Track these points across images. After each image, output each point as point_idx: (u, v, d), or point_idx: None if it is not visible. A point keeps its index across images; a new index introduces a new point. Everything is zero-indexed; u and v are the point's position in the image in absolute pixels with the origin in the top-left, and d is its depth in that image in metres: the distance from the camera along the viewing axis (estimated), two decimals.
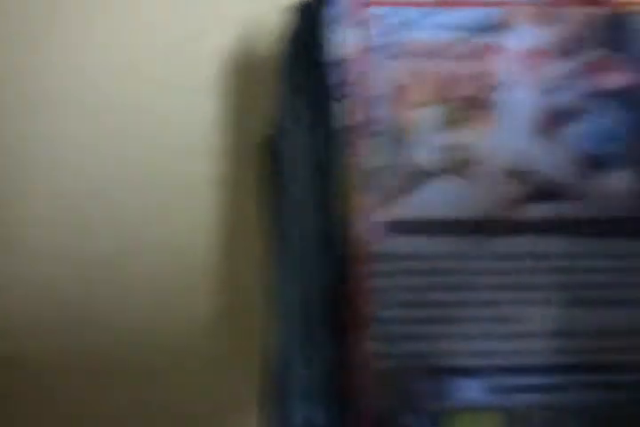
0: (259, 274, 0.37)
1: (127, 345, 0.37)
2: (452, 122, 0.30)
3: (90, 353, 0.37)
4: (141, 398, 0.36)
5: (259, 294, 0.36)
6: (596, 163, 0.30)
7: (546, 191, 0.29)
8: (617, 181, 0.29)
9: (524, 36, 0.31)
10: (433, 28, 0.31)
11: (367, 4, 0.31)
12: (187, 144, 0.40)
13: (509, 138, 0.30)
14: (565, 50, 0.31)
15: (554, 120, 0.30)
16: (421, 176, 0.29)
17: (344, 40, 0.31)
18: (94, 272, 0.37)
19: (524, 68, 0.31)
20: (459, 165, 0.29)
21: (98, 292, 0.37)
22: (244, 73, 0.41)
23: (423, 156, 0.29)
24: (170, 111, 0.40)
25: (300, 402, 0.26)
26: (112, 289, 0.37)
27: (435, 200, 0.28)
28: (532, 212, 0.29)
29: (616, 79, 0.31)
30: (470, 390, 0.26)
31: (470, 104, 0.30)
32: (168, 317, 0.37)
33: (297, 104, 0.31)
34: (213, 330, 0.37)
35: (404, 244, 0.27)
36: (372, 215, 0.28)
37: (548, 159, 0.30)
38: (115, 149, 0.40)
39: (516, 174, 0.29)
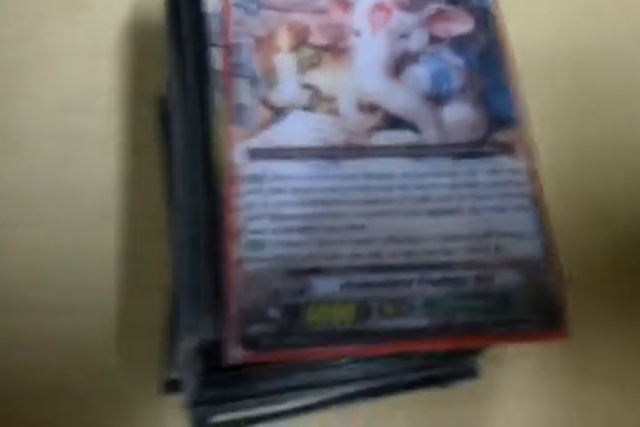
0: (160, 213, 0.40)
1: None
2: (307, 66, 0.34)
3: None
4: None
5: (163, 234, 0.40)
6: (434, 98, 0.35)
7: (391, 122, 0.34)
8: (451, 114, 0.34)
9: None
10: None
11: None
12: (88, 104, 0.43)
13: (360, 78, 0.35)
14: (409, 4, 0.36)
15: (399, 63, 0.35)
16: (281, 111, 0.33)
17: None
18: None
19: (373, 20, 0.36)
20: (314, 102, 0.33)
21: None
22: (140, 40, 0.45)
23: (283, 94, 0.34)
24: (73, 75, 0.44)
25: (188, 306, 0.30)
26: None
27: (294, 131, 0.33)
28: (380, 139, 0.33)
29: (451, 28, 0.36)
30: (327, 287, 0.30)
31: (323, 51, 0.35)
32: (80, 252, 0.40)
33: (178, 55, 0.35)
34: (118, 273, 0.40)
35: (269, 167, 0.32)
36: (240, 144, 0.32)
37: (394, 95, 0.34)
38: (24, 111, 0.43)
39: (365, 108, 0.34)
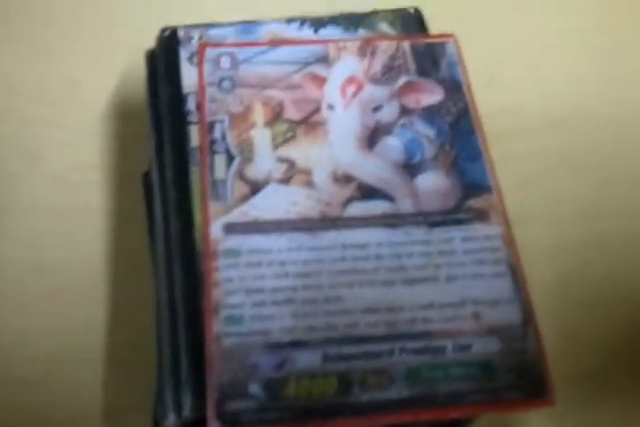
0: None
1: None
2: (282, 140, 0.35)
3: None
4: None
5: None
6: (408, 168, 0.35)
7: (365, 193, 0.34)
8: (425, 182, 0.35)
9: (344, 67, 0.37)
10: (265, 63, 0.37)
11: (205, 47, 0.37)
12: (75, 179, 0.44)
13: (334, 151, 0.35)
14: (380, 77, 0.37)
15: (372, 135, 0.36)
16: (258, 185, 0.34)
17: (190, 76, 0.36)
18: None
19: (345, 93, 0.37)
20: (289, 174, 0.34)
21: None
22: (127, 117, 0.46)
23: (259, 168, 0.34)
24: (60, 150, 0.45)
25: (169, 382, 0.30)
26: None
27: (270, 204, 0.33)
28: (355, 210, 0.34)
29: (422, 99, 0.37)
30: (307, 360, 0.30)
31: (298, 125, 0.35)
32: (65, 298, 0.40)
33: (157, 134, 0.36)
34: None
35: (246, 241, 0.32)
36: (217, 219, 0.33)
37: (368, 166, 0.35)
38: (10, 184, 0.43)
39: (340, 180, 0.35)
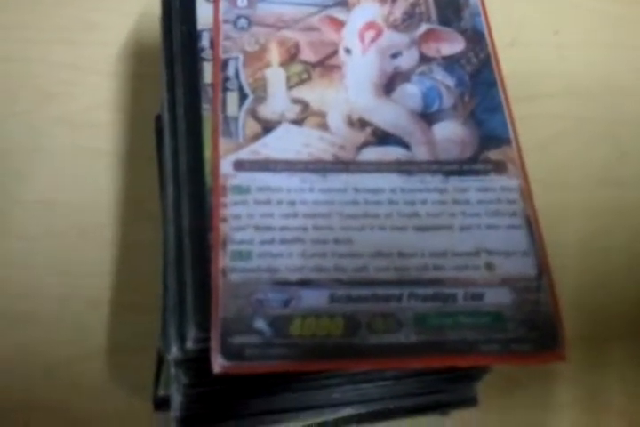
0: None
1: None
2: (296, 81, 0.34)
3: None
4: None
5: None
6: (425, 116, 0.34)
7: (380, 138, 0.33)
8: (442, 131, 0.34)
9: (364, 12, 0.36)
10: (283, 3, 0.36)
11: None
12: (89, 120, 0.43)
13: (350, 95, 0.34)
14: (400, 24, 0.36)
15: (390, 81, 0.35)
16: (270, 124, 0.33)
17: (205, 13, 0.35)
18: None
19: (364, 38, 0.36)
20: (303, 116, 0.33)
21: None
22: (140, 58, 0.45)
23: (272, 107, 0.33)
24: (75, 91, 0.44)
25: (173, 315, 0.29)
26: None
27: (282, 144, 0.32)
28: (369, 154, 0.33)
29: (442, 48, 0.36)
30: (314, 299, 0.29)
31: (313, 67, 0.34)
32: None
33: (169, 70, 0.35)
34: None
35: (256, 179, 0.31)
36: (228, 156, 0.32)
37: (384, 112, 0.34)
38: (23, 125, 0.42)
39: (355, 124, 0.33)
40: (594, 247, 0.42)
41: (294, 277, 0.29)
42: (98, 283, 0.39)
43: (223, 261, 0.29)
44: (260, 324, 0.28)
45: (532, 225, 0.32)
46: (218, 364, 0.27)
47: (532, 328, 0.30)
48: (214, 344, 0.27)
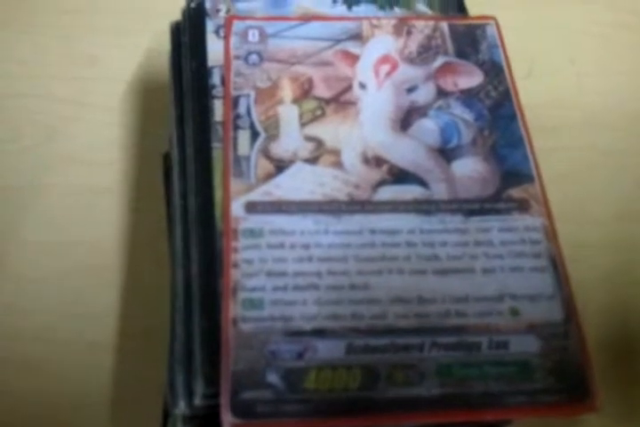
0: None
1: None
2: (310, 118, 0.33)
3: None
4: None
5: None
6: (443, 152, 0.33)
7: (397, 176, 0.32)
8: (461, 168, 0.33)
9: (378, 46, 0.35)
10: (295, 38, 0.35)
11: (232, 19, 0.35)
12: (95, 158, 0.42)
13: (365, 131, 0.33)
14: (415, 57, 0.35)
15: (406, 117, 0.34)
16: (283, 164, 0.31)
17: (216, 49, 0.34)
18: None
19: (378, 72, 0.34)
20: (317, 154, 0.32)
21: None
22: (146, 95, 0.44)
23: (285, 146, 0.32)
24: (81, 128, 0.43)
25: (181, 367, 0.27)
26: None
27: (295, 184, 0.31)
28: (385, 194, 0.31)
29: (459, 82, 0.35)
30: (330, 350, 0.28)
31: (327, 103, 0.33)
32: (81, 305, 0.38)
33: (179, 108, 0.34)
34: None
35: (268, 221, 0.30)
36: (239, 197, 0.30)
37: (401, 149, 0.33)
38: (30, 162, 0.41)
39: (370, 162, 0.32)
40: (616, 283, 0.40)
41: (309, 326, 0.28)
42: (103, 327, 0.37)
43: (234, 309, 0.28)
44: (273, 378, 0.27)
45: (557, 267, 0.30)
46: (228, 422, 0.25)
47: (561, 378, 0.28)
48: (224, 400, 0.26)
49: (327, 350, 0.27)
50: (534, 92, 0.46)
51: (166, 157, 0.39)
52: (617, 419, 0.36)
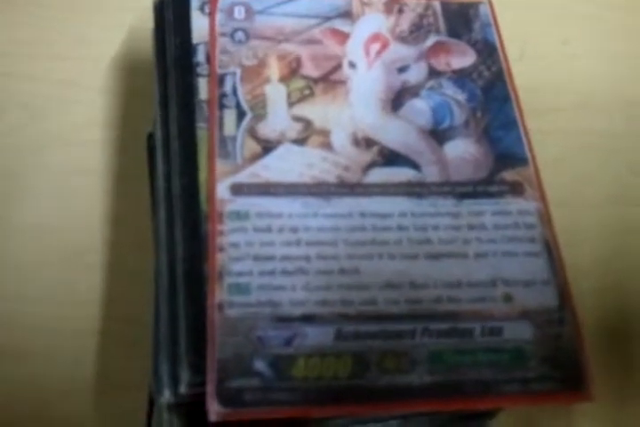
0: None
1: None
2: (298, 97, 0.32)
3: None
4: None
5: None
6: (435, 134, 0.32)
7: (388, 158, 0.31)
8: (454, 150, 0.32)
9: (369, 24, 0.34)
10: (283, 15, 0.34)
11: None
12: (79, 137, 0.41)
13: (355, 112, 0.32)
14: (407, 36, 0.34)
15: (397, 97, 0.33)
16: (270, 144, 0.30)
17: (200, 26, 0.33)
18: None
19: (369, 51, 0.33)
20: (305, 135, 0.31)
21: None
22: (132, 74, 0.43)
23: (272, 126, 0.31)
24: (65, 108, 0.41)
25: (165, 354, 0.26)
26: None
27: (283, 166, 0.30)
28: (376, 176, 0.30)
29: (452, 61, 0.34)
30: (319, 337, 0.27)
31: (316, 82, 0.32)
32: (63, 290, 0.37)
33: (162, 86, 0.32)
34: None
35: (255, 204, 0.29)
36: (225, 179, 0.29)
37: (392, 130, 0.32)
38: (16, 145, 0.40)
39: (361, 143, 0.31)
40: (611, 267, 0.40)
41: (297, 312, 0.27)
42: (88, 313, 0.36)
43: (220, 294, 0.27)
44: (261, 365, 0.26)
45: (551, 251, 0.30)
46: (214, 410, 0.25)
47: (555, 366, 0.27)
48: (210, 389, 0.25)
49: (316, 336, 0.26)
50: (527, 74, 0.45)
51: (151, 137, 0.38)
52: (612, 404, 0.35)
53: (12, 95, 0.42)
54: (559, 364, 0.27)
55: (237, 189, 0.29)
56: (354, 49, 0.34)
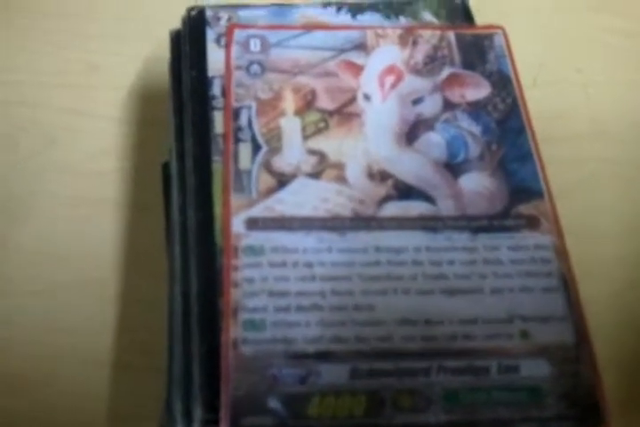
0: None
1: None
2: (313, 130, 0.32)
3: None
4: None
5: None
6: (450, 167, 0.32)
7: (403, 192, 0.31)
8: (469, 184, 0.32)
9: (383, 56, 0.34)
10: (298, 48, 0.34)
11: (234, 28, 0.34)
12: (94, 167, 0.41)
13: (370, 145, 0.32)
14: (421, 68, 0.34)
15: (412, 130, 0.33)
16: (285, 178, 0.30)
17: (216, 59, 0.33)
18: None
19: (384, 83, 0.33)
20: (320, 168, 0.31)
21: None
22: (146, 104, 0.43)
23: (287, 160, 0.31)
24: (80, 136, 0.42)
25: (179, 390, 0.26)
26: None
27: (298, 200, 0.30)
28: (391, 210, 0.30)
29: (467, 93, 0.34)
30: (334, 375, 0.27)
31: (331, 115, 0.32)
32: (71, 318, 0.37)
33: (178, 119, 0.33)
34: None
35: (270, 238, 0.29)
36: (240, 213, 0.29)
37: (407, 163, 0.32)
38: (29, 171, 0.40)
39: (375, 177, 0.31)
40: (630, 300, 0.39)
41: (312, 349, 0.27)
42: (97, 342, 0.36)
43: (234, 331, 0.27)
44: (275, 403, 0.26)
45: (568, 287, 0.29)
46: None
47: (573, 404, 0.27)
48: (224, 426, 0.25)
49: (331, 374, 0.26)
50: (540, 101, 0.45)
51: (166, 167, 0.38)
52: None
53: (26, 124, 0.42)
54: (576, 402, 0.27)
55: (252, 224, 0.29)
56: (368, 81, 0.34)
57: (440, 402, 0.26)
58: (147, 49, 0.44)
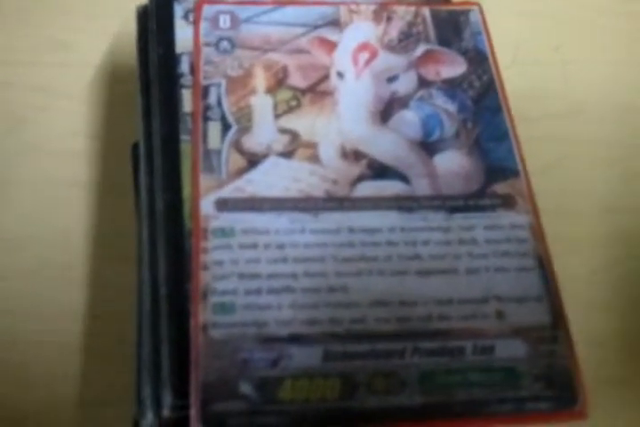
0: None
1: None
2: (285, 109, 0.31)
3: None
4: None
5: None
6: (425, 146, 0.31)
7: (377, 171, 0.30)
8: (444, 163, 0.31)
9: (357, 33, 0.33)
10: (269, 24, 0.33)
11: (202, 3, 0.33)
12: (63, 147, 0.40)
13: (343, 123, 0.31)
14: (396, 45, 0.33)
15: (386, 108, 0.32)
16: (256, 158, 0.30)
17: (184, 35, 0.32)
18: None
19: (357, 60, 0.33)
20: (292, 147, 0.30)
21: None
22: (116, 83, 0.42)
23: (258, 139, 0.30)
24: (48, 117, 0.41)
25: (148, 376, 0.26)
26: None
27: (269, 180, 0.29)
28: (365, 190, 0.30)
29: (442, 71, 0.33)
30: (306, 358, 0.26)
31: (303, 93, 0.31)
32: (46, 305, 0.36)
33: (145, 97, 0.32)
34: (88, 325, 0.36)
35: (240, 220, 0.28)
36: (209, 194, 0.28)
37: (381, 142, 0.31)
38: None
39: (349, 156, 0.30)
40: (607, 279, 0.39)
41: (284, 331, 0.26)
42: (69, 327, 0.36)
43: (204, 314, 0.26)
44: (246, 388, 0.25)
45: (544, 266, 0.29)
46: None
47: (549, 384, 0.27)
48: (194, 412, 0.24)
49: (303, 357, 0.26)
50: (518, 80, 0.44)
51: (135, 147, 0.37)
52: (606, 421, 0.35)
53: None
54: (552, 382, 0.27)
55: (222, 205, 0.28)
56: (342, 58, 0.33)
57: (415, 384, 0.26)
58: (117, 26, 0.43)
